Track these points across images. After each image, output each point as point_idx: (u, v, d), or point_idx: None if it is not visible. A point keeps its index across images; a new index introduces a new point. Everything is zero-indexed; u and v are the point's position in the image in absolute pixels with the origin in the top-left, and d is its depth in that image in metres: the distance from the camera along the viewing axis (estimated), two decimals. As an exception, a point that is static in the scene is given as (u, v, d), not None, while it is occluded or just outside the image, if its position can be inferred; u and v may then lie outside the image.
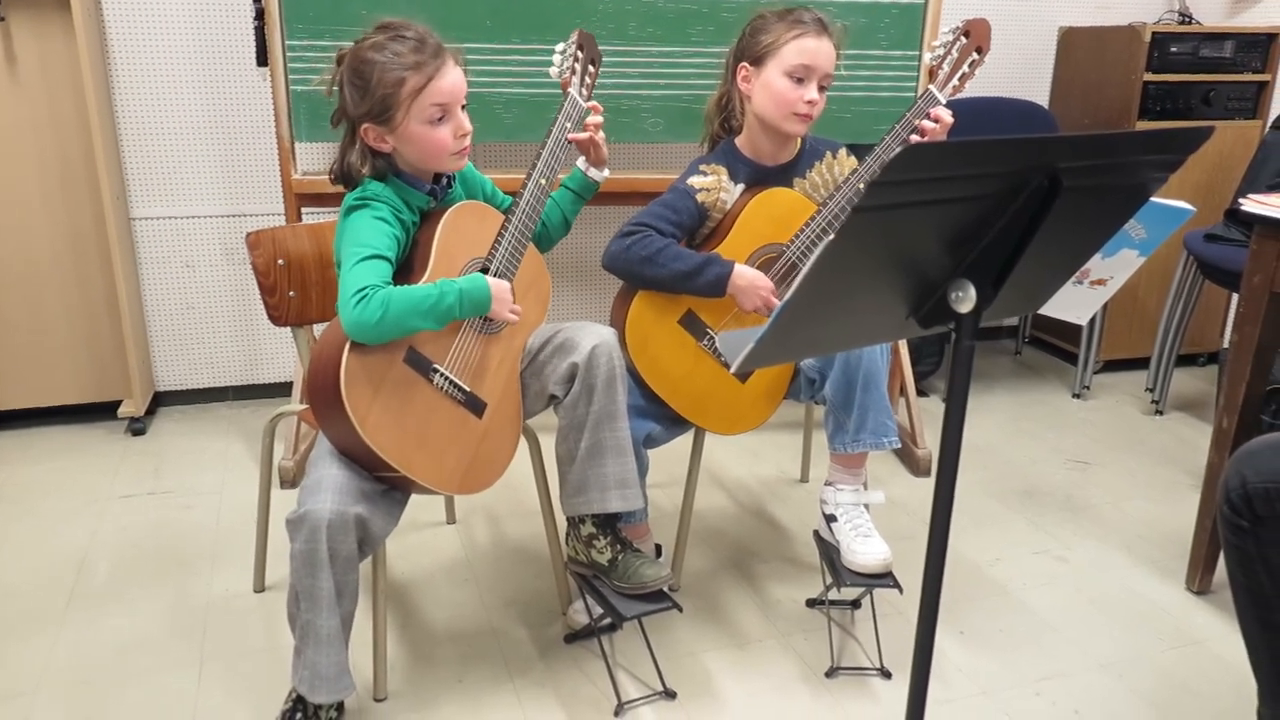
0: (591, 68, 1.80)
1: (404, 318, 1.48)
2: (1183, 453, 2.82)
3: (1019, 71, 3.50)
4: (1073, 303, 1.32)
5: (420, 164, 1.62)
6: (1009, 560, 2.22)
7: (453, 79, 1.57)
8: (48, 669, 1.78)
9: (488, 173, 1.85)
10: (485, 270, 1.63)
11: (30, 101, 2.58)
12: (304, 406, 1.86)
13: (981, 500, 2.51)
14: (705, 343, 1.89)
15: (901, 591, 1.85)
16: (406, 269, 1.60)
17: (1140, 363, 3.34)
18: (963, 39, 1.86)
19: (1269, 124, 3.05)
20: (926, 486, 2.58)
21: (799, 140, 1.95)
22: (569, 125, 1.73)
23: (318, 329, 2.43)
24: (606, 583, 1.73)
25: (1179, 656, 1.88)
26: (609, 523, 1.76)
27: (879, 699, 1.75)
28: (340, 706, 1.61)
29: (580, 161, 1.84)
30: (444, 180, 1.69)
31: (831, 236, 0.90)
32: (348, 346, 1.46)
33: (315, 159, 2.78)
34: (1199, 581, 2.08)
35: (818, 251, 0.92)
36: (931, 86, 1.85)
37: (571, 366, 1.67)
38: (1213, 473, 2.00)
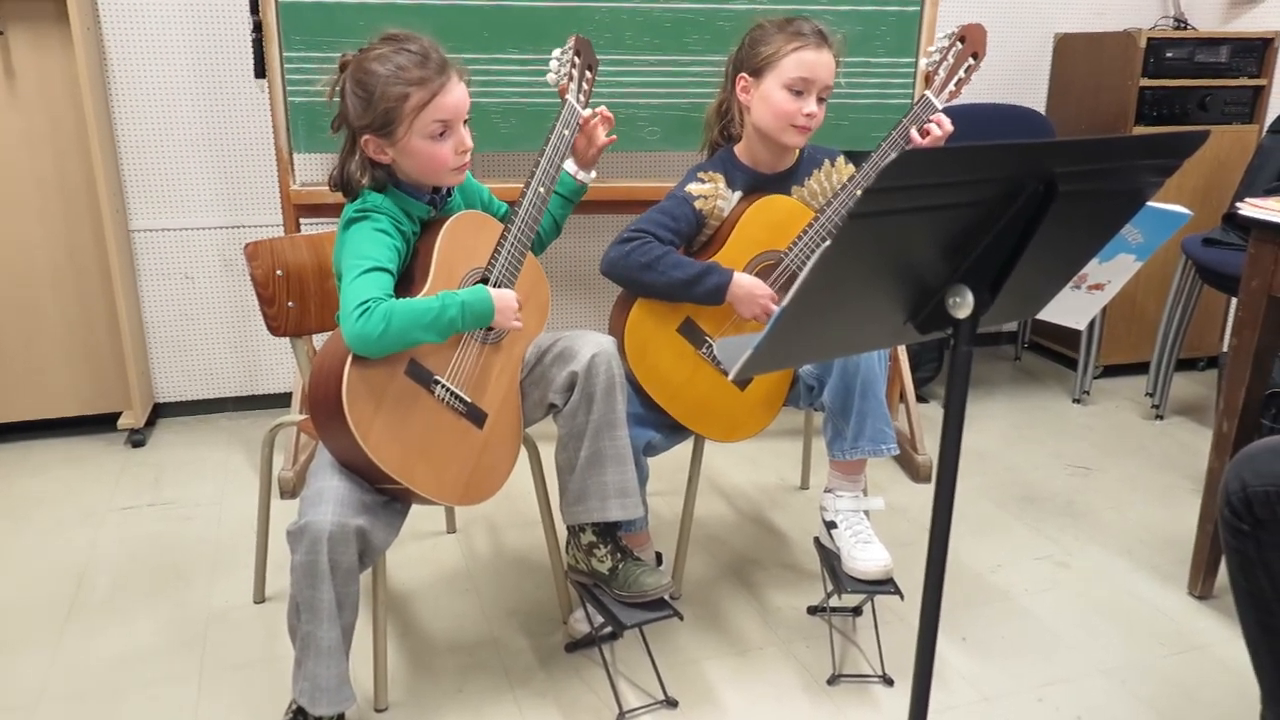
0: (589, 73, 1.80)
1: (406, 331, 1.47)
2: (1183, 457, 2.82)
3: (1015, 78, 3.50)
4: (1070, 307, 1.32)
5: (419, 178, 1.63)
6: (1010, 566, 2.22)
7: (456, 96, 1.57)
8: (47, 682, 1.78)
9: (485, 182, 1.86)
10: (485, 280, 1.63)
11: (29, 115, 2.58)
12: (303, 417, 1.86)
13: (982, 506, 2.51)
14: (704, 350, 1.89)
15: (902, 598, 1.85)
16: (406, 280, 1.60)
17: (1140, 368, 3.34)
18: (958, 44, 1.87)
19: (1265, 128, 3.06)
20: (927, 493, 2.58)
21: (797, 149, 1.95)
22: (567, 132, 1.74)
23: (317, 339, 2.44)
24: (607, 591, 1.73)
25: (1181, 662, 1.88)
26: (609, 531, 1.75)
27: (881, 706, 1.74)
28: (341, 718, 1.60)
29: (569, 164, 1.83)
30: (443, 190, 1.69)
31: (828, 243, 0.90)
32: (349, 359, 1.46)
33: (313, 170, 2.79)
34: (1201, 586, 2.07)
35: (814, 258, 0.92)
36: (928, 92, 1.85)
37: (571, 375, 1.67)
38: (1213, 477, 2.00)
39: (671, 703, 1.73)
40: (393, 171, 1.62)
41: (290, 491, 2.47)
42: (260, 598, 2.04)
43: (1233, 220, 2.79)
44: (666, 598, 1.71)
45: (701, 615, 2.01)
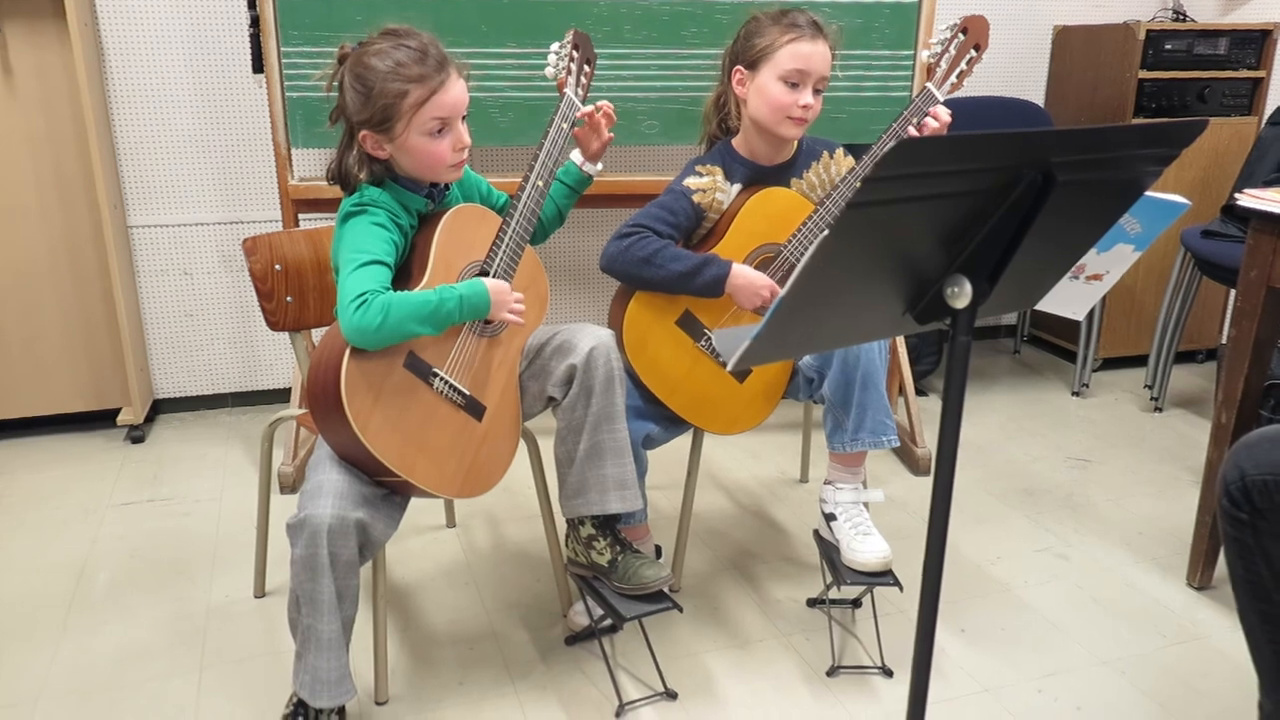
0: (587, 67, 1.80)
1: (404, 323, 1.47)
2: (1182, 449, 2.82)
3: (1014, 71, 3.50)
4: (1069, 298, 1.32)
5: (416, 173, 1.62)
6: (1010, 558, 2.22)
7: (455, 93, 1.57)
8: (48, 678, 1.78)
9: (484, 176, 1.85)
10: (484, 274, 1.63)
11: (27, 111, 2.58)
12: (303, 411, 1.86)
13: (982, 499, 2.51)
14: (703, 343, 1.89)
15: (902, 589, 1.85)
16: (404, 274, 1.60)
17: (1139, 360, 3.35)
18: (960, 36, 1.86)
19: (1264, 120, 3.06)
20: (926, 485, 2.58)
21: (796, 141, 1.95)
22: (565, 126, 1.73)
23: (316, 334, 2.44)
24: (607, 584, 1.73)
25: (1181, 652, 1.88)
26: (608, 524, 1.76)
27: (880, 698, 1.75)
28: (342, 711, 1.61)
29: (575, 155, 1.83)
30: (441, 183, 1.69)
31: (826, 233, 0.90)
32: (347, 352, 1.46)
33: (311, 165, 2.78)
34: (1200, 577, 2.08)
35: (812, 247, 0.92)
36: (929, 84, 1.85)
37: (570, 368, 1.67)
38: (1212, 468, 2.00)
39: (671, 695, 1.74)
40: (390, 166, 1.62)
41: (290, 486, 2.47)
42: (261, 592, 2.04)
43: (1231, 212, 2.79)
44: (666, 590, 1.71)
45: (701, 608, 2.01)
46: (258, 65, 2.45)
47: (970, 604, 2.03)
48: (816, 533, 1.96)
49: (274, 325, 1.89)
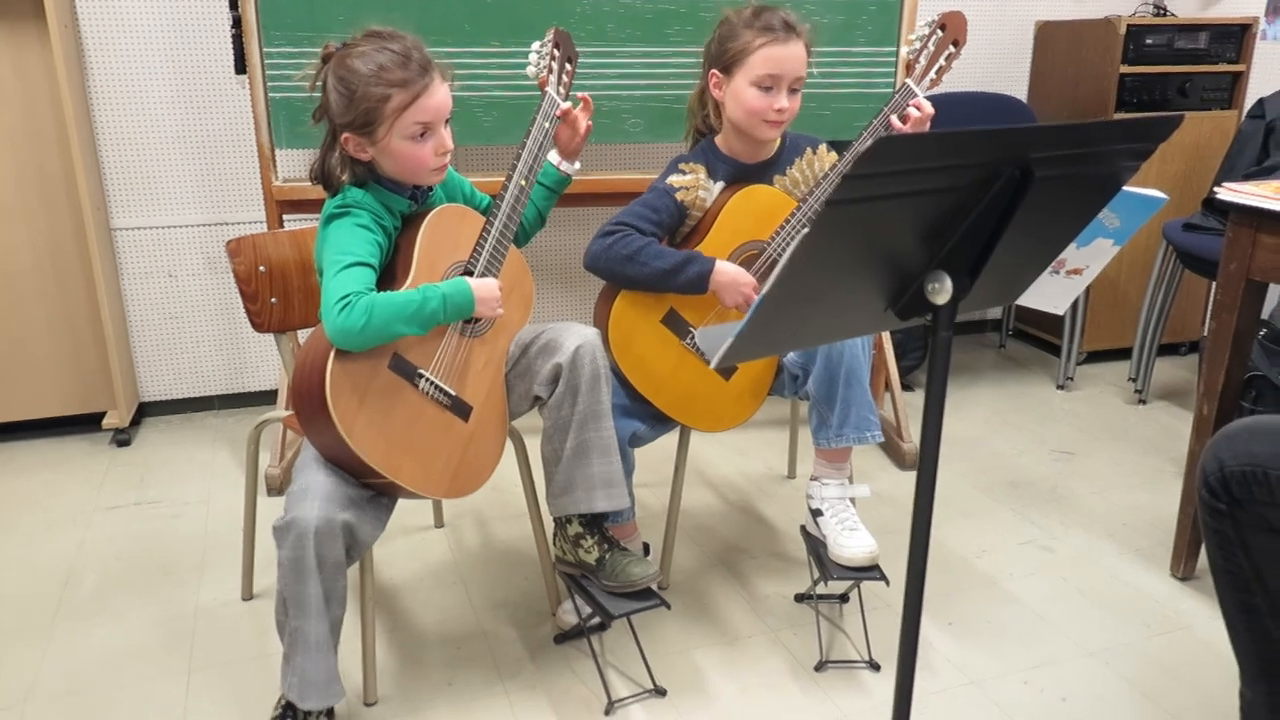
0: (569, 66, 1.80)
1: (388, 324, 1.47)
2: (1166, 441, 2.84)
3: (996, 66, 3.52)
4: (1050, 292, 1.33)
5: (398, 176, 1.62)
6: (995, 551, 2.23)
7: (438, 98, 1.56)
8: (36, 681, 1.77)
9: (467, 175, 1.85)
10: (468, 273, 1.63)
11: (7, 112, 2.56)
12: (289, 413, 1.86)
13: (967, 492, 2.52)
14: (688, 341, 1.89)
15: (888, 584, 1.86)
16: (389, 275, 1.60)
17: (1123, 353, 3.37)
18: (939, 32, 1.87)
19: (1244, 114, 3.08)
20: (912, 480, 2.58)
21: (778, 138, 1.95)
22: (547, 125, 1.74)
23: (301, 335, 2.43)
24: (595, 582, 1.74)
25: (1165, 642, 1.90)
26: (596, 522, 1.76)
27: (869, 691, 1.75)
28: (330, 712, 1.61)
29: (553, 155, 1.83)
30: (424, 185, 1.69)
31: (806, 230, 0.91)
32: (332, 354, 1.46)
33: (295, 166, 2.77)
34: (1183, 567, 2.09)
35: (793, 245, 0.92)
36: (909, 80, 1.86)
37: (555, 367, 1.67)
38: (1194, 460, 2.01)
39: (660, 692, 1.74)
40: (373, 167, 1.61)
41: (277, 488, 2.47)
42: (248, 594, 2.04)
43: (1212, 205, 2.81)
44: (654, 587, 1.72)
45: (689, 604, 2.02)
46: (240, 66, 2.44)
47: (956, 597, 2.04)
48: (804, 528, 1.97)
49: (259, 327, 1.88)
